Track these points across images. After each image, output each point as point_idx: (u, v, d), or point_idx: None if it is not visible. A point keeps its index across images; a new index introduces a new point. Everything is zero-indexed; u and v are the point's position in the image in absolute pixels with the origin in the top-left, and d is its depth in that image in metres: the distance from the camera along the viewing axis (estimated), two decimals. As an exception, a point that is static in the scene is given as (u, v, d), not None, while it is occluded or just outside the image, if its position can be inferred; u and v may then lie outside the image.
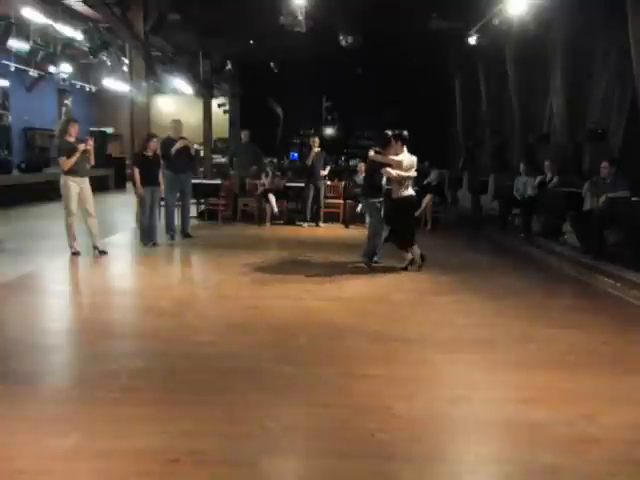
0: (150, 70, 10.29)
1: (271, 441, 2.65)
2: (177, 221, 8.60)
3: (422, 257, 6.53)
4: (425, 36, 10.76)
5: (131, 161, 9.31)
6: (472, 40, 9.98)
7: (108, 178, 17.23)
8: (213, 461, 2.46)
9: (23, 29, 11.71)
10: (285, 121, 16.99)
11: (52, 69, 14.85)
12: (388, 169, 6.25)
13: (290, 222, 10.55)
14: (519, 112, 11.06)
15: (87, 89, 18.84)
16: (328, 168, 10.53)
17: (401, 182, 6.32)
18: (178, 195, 8.51)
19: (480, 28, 9.62)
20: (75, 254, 6.85)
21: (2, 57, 13.82)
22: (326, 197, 10.62)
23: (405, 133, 6.36)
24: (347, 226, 10.39)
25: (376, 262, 6.70)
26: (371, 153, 6.60)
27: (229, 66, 14.88)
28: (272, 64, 15.05)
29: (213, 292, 5.62)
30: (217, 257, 7.30)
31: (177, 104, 20.24)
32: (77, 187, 6.74)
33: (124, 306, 5.14)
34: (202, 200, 10.86)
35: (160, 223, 8.38)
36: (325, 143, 11.76)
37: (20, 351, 3.76)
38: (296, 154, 15.93)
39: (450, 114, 15.55)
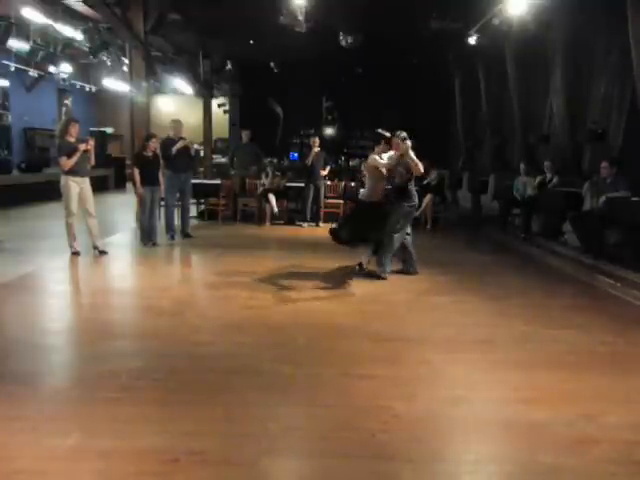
0: (150, 70, 10.30)
1: (271, 441, 2.65)
2: (177, 221, 8.61)
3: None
4: (425, 36, 10.75)
5: (131, 161, 9.32)
6: (472, 40, 9.98)
7: (108, 178, 17.24)
8: (213, 461, 2.46)
9: (23, 29, 11.73)
10: (285, 121, 16.97)
11: (52, 69, 14.85)
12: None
13: (290, 222, 10.54)
14: (519, 112, 11.05)
15: (87, 89, 18.84)
16: (328, 168, 10.54)
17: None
18: (178, 195, 8.52)
19: (480, 28, 9.62)
20: (75, 254, 6.86)
21: (2, 57, 13.81)
22: (326, 197, 10.62)
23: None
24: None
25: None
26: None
27: (229, 66, 14.89)
28: (272, 64, 15.06)
29: (213, 292, 5.63)
30: (217, 257, 7.30)
31: (177, 104, 20.27)
32: (77, 187, 6.75)
33: (124, 306, 5.14)
34: (202, 200, 10.86)
35: (160, 223, 8.39)
36: (325, 143, 11.76)
37: (20, 351, 3.77)
38: (296, 154, 15.93)
39: (450, 114, 15.54)
